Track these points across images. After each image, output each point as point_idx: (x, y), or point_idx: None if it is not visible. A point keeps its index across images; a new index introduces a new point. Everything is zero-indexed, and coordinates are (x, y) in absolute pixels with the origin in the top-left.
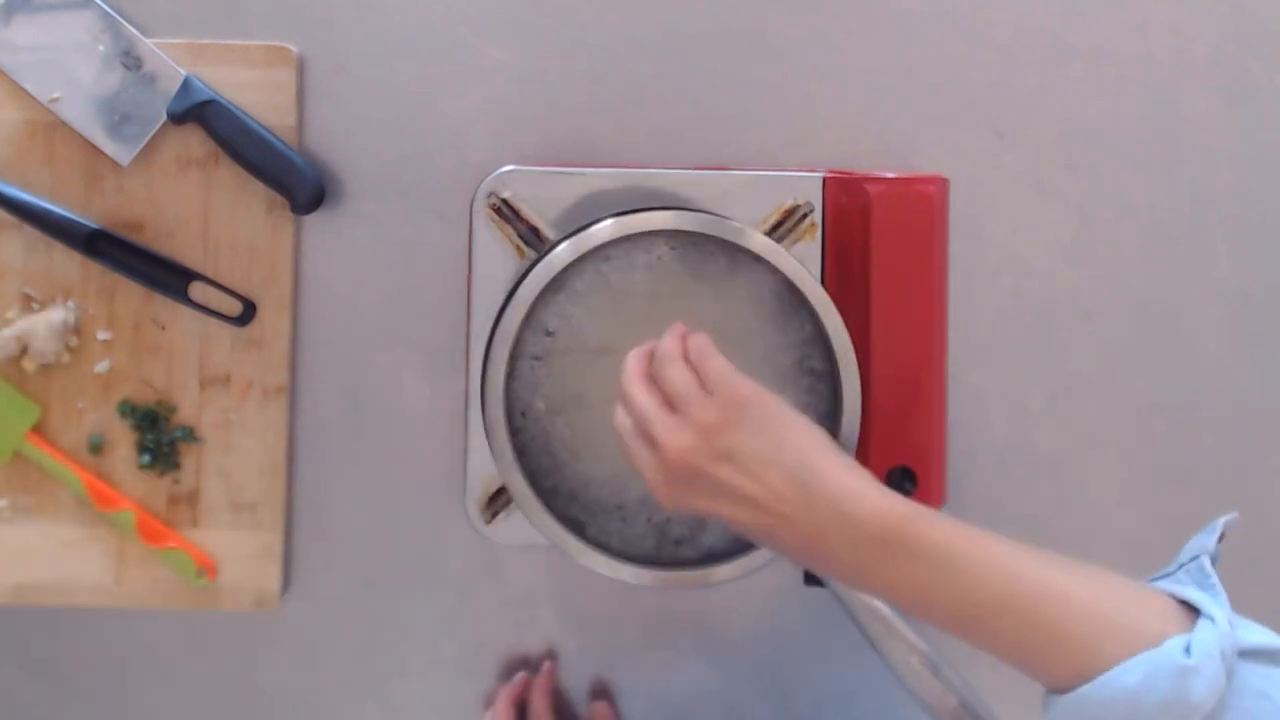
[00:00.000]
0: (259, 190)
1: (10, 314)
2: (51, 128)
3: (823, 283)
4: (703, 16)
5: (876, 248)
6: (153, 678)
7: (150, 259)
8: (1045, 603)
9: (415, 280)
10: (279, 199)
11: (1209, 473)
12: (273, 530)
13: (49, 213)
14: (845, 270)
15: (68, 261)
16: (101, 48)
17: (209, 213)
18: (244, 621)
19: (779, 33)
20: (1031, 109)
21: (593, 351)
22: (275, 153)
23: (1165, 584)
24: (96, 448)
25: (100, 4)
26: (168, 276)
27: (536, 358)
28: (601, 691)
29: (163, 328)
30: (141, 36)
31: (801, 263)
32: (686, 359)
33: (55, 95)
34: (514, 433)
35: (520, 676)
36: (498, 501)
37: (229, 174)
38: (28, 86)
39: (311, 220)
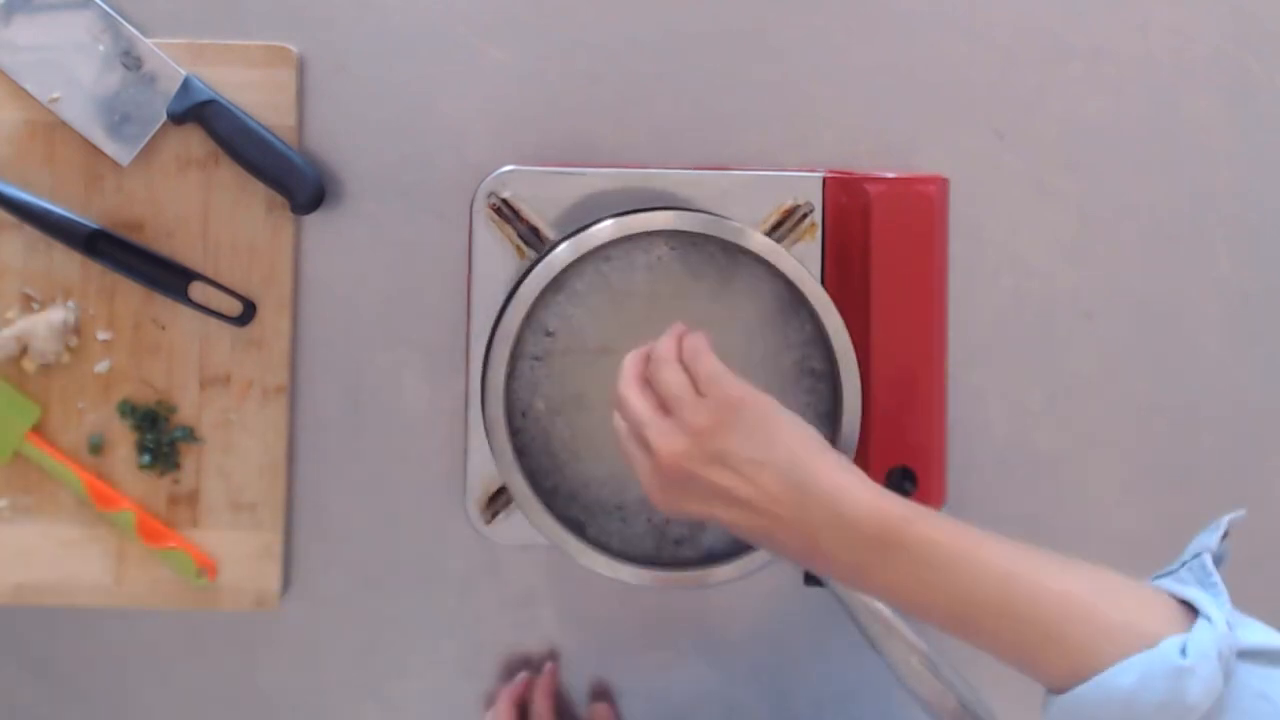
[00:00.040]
0: (259, 190)
1: (10, 314)
2: (51, 128)
3: (823, 283)
4: (703, 16)
5: (876, 248)
6: (153, 678)
7: (150, 259)
8: (1041, 602)
9: (415, 280)
10: (279, 199)
11: (1209, 473)
12: (273, 530)
13: (49, 213)
14: (845, 270)
15: (68, 261)
16: (101, 48)
17: (209, 213)
18: (244, 621)
19: (779, 33)
20: (1031, 109)
21: (593, 351)
22: (275, 153)
23: (1167, 582)
24: (96, 448)
25: (100, 4)
26: (168, 276)
27: (536, 358)
28: (602, 693)
29: (163, 328)
30: (141, 36)
31: (801, 263)
32: (681, 360)
33: (55, 95)
34: (514, 433)
35: (522, 676)
36: (498, 501)
37: (229, 174)
38: (28, 86)
39: (311, 220)
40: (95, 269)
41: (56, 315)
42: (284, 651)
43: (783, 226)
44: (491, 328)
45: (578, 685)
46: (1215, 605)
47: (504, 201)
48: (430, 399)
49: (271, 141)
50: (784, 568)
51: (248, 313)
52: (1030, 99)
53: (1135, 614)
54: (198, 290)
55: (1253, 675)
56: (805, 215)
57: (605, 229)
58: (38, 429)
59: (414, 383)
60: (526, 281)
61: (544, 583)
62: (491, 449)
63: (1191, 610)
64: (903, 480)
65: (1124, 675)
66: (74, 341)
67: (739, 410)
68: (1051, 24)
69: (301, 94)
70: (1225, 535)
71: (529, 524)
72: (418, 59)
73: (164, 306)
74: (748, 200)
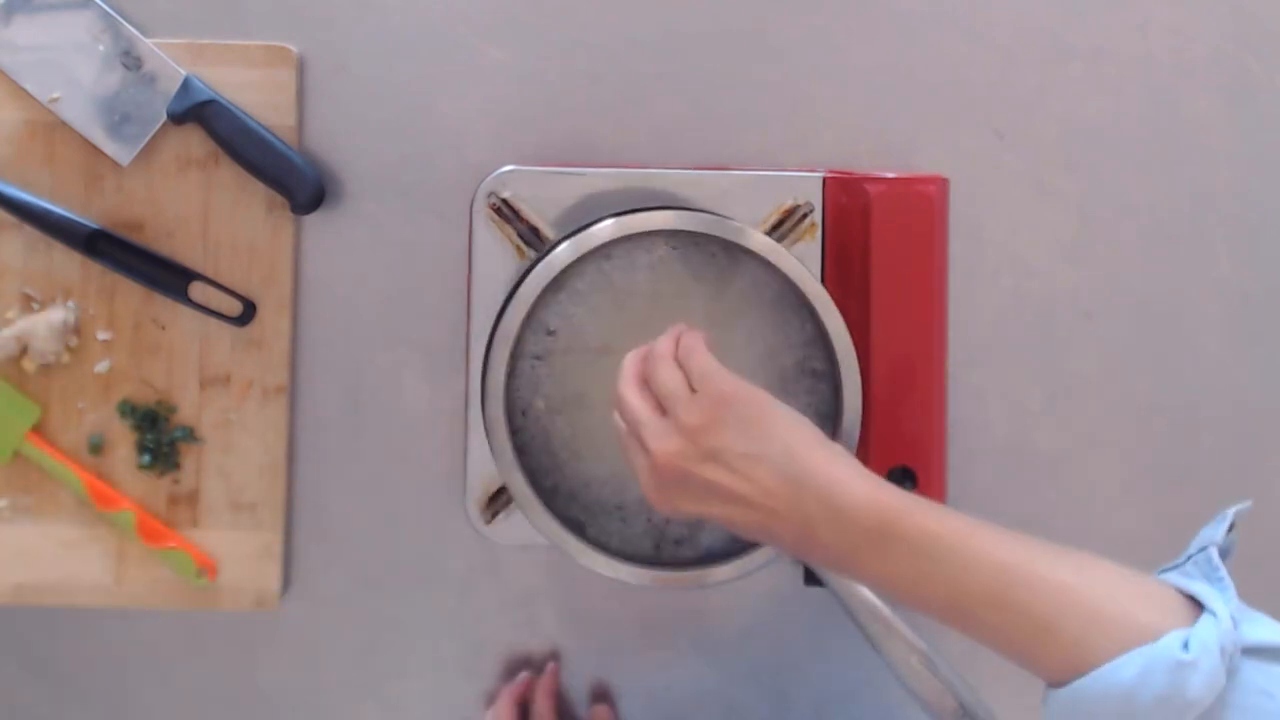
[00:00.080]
0: (259, 190)
1: (10, 314)
2: (51, 128)
3: (823, 282)
4: (703, 16)
5: (876, 248)
6: (153, 678)
7: (150, 259)
8: (1037, 594)
9: (415, 280)
10: (279, 199)
11: (1209, 473)
12: (273, 530)
13: (49, 213)
14: (845, 270)
15: (68, 261)
16: (101, 48)
17: (209, 213)
18: (244, 621)
19: (779, 33)
20: (1031, 109)
21: (594, 351)
22: (275, 153)
23: (1173, 576)
24: (96, 448)
25: (100, 4)
26: (168, 276)
27: (538, 357)
28: (602, 695)
29: (163, 328)
30: (141, 36)
31: (802, 262)
32: (676, 358)
33: (55, 95)
34: (514, 432)
35: (523, 676)
36: (498, 501)
37: (229, 174)
38: (28, 86)
39: (311, 220)
40: (95, 269)
41: (56, 315)
42: (284, 651)
43: (783, 226)
44: (491, 328)
45: (578, 685)
46: (1220, 599)
47: (504, 201)
48: (430, 399)
49: (271, 141)
50: (784, 568)
51: (248, 313)
52: (1030, 99)
53: (1133, 606)
54: (198, 290)
55: (1257, 671)
56: (805, 215)
57: (605, 229)
58: (38, 429)
59: (414, 383)
60: (526, 281)
61: (544, 583)
62: (491, 449)
63: (1196, 604)
64: (903, 480)
65: (1124, 669)
66: (74, 341)
67: (732, 406)
68: (1051, 24)
69: (301, 94)
70: (1231, 527)
71: (529, 524)
72: (418, 59)
73: (164, 306)
74: (748, 200)
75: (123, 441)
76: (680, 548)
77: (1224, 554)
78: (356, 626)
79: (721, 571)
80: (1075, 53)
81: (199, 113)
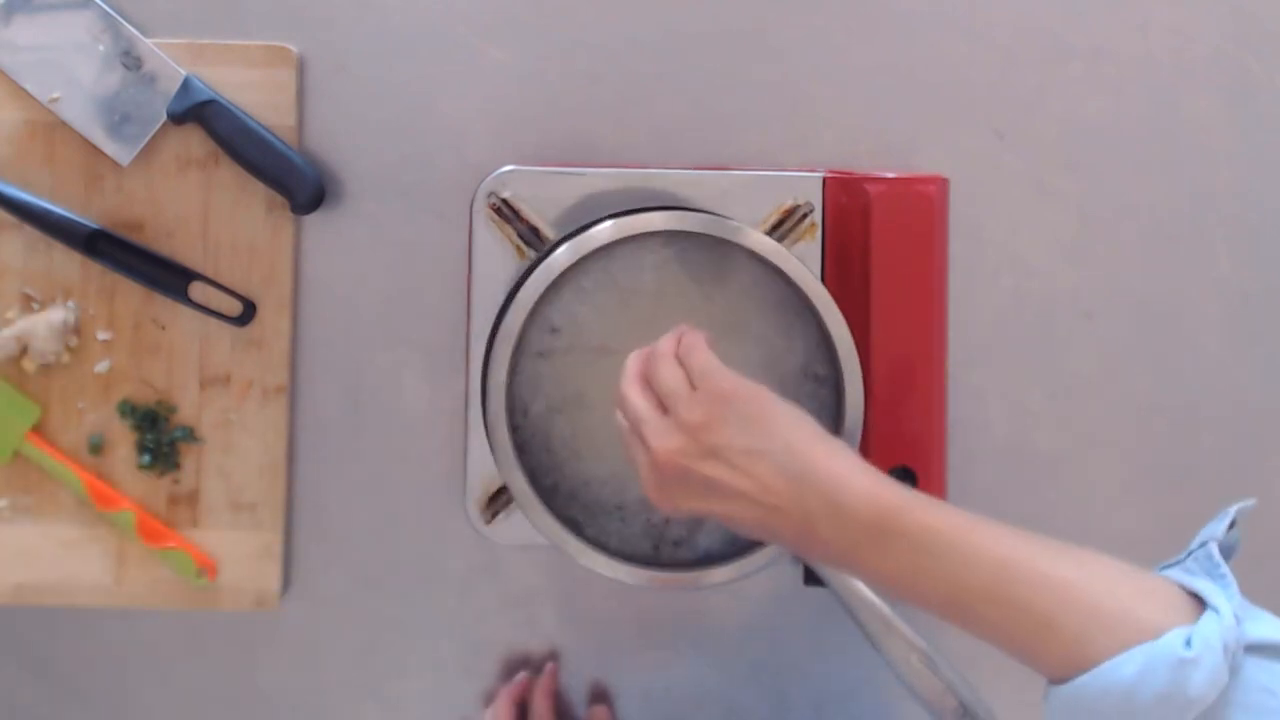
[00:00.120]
0: (259, 190)
1: (10, 314)
2: (51, 128)
3: (823, 282)
4: (703, 16)
5: (876, 248)
6: (153, 678)
7: (150, 259)
8: (1035, 589)
9: (415, 280)
10: (279, 199)
11: (1209, 473)
12: (273, 530)
13: (49, 213)
14: (845, 270)
15: (68, 261)
16: (101, 48)
17: (209, 213)
18: (244, 621)
19: (779, 33)
20: (1031, 109)
21: (595, 351)
22: (275, 153)
23: (1174, 573)
24: (96, 448)
25: (100, 4)
26: (168, 276)
27: (541, 354)
28: (600, 695)
29: (163, 328)
30: (141, 36)
31: (803, 263)
32: (678, 357)
33: (55, 95)
34: (514, 431)
35: (521, 676)
36: (498, 501)
37: (229, 174)
38: (28, 86)
39: (311, 220)
40: (95, 269)
41: (56, 315)
42: (284, 651)
43: (783, 226)
44: (491, 327)
45: (577, 685)
46: (1223, 596)
47: (504, 201)
48: (430, 399)
49: (271, 141)
50: (783, 568)
51: (248, 313)
52: (1030, 99)
53: (1134, 603)
54: (198, 290)
55: (1260, 669)
56: (805, 215)
57: (605, 230)
58: (38, 429)
59: (414, 383)
60: (527, 284)
61: (544, 583)
62: (491, 448)
63: (1197, 601)
64: (903, 480)
65: (1126, 666)
66: (74, 341)
67: (732, 402)
68: (1051, 24)
69: (301, 94)
70: (1233, 525)
71: (529, 524)
72: (418, 59)
73: (164, 306)
74: (748, 200)
75: (123, 441)
76: (679, 549)
77: (1227, 552)
78: (356, 626)
79: (719, 573)
80: (1075, 53)
81: (199, 113)
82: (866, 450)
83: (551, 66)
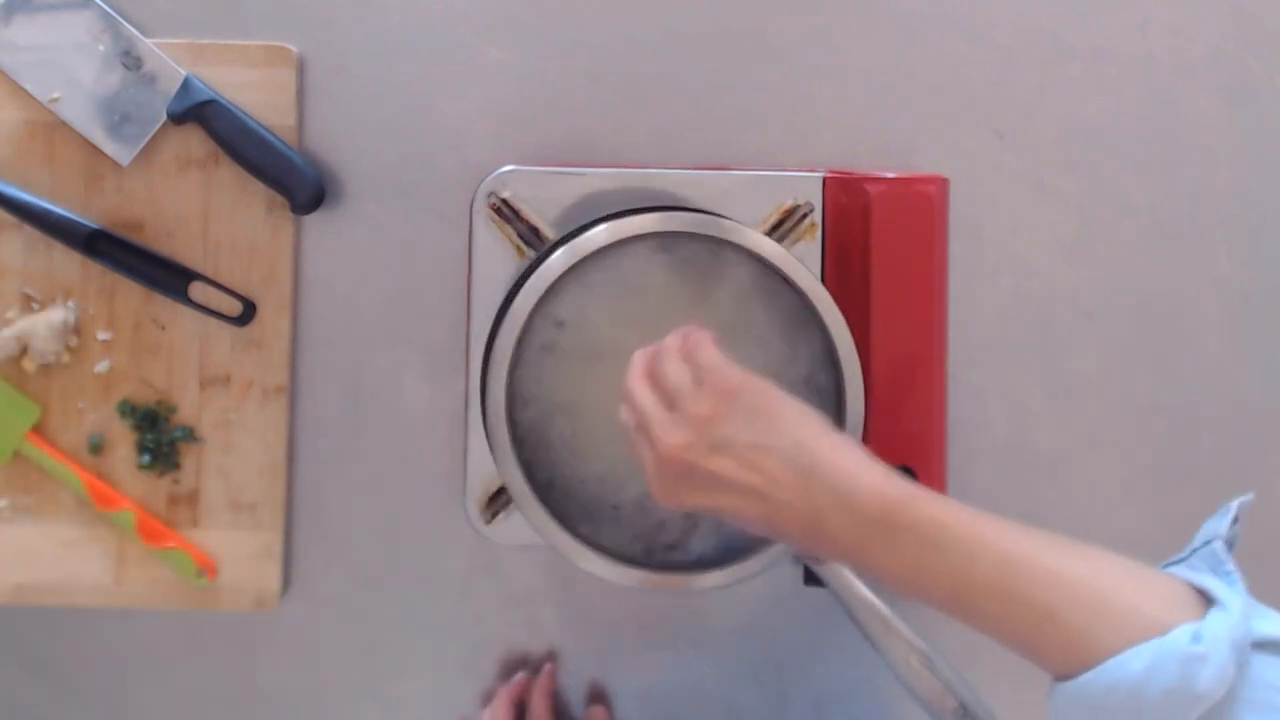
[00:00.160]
0: (259, 190)
1: (10, 314)
2: (51, 128)
3: (823, 283)
4: (703, 16)
5: (876, 248)
6: (153, 678)
7: (150, 259)
8: (1040, 584)
9: (415, 280)
10: (279, 199)
11: (1209, 473)
12: (273, 530)
13: (49, 213)
14: (845, 270)
15: (68, 261)
16: (101, 48)
17: (209, 213)
18: (244, 621)
19: (779, 33)
20: (1031, 109)
21: (595, 351)
22: (275, 153)
23: (1179, 570)
24: (96, 448)
25: (100, 4)
26: (168, 276)
27: (541, 353)
28: (598, 696)
29: (163, 328)
30: (141, 36)
31: (803, 263)
32: (684, 355)
33: (55, 95)
34: (513, 430)
35: (519, 677)
36: (498, 501)
37: (229, 174)
38: (28, 86)
39: (311, 220)
40: (95, 269)
41: (56, 315)
42: (284, 651)
43: (783, 226)
44: (491, 327)
45: (577, 685)
46: (1231, 593)
47: (504, 201)
48: (430, 399)
49: (271, 141)
50: (782, 569)
51: (248, 313)
52: (1030, 99)
53: (1140, 599)
54: (198, 290)
55: (1267, 666)
56: (805, 215)
57: (604, 231)
58: (38, 429)
59: (414, 383)
60: (527, 283)
61: (544, 583)
62: (491, 448)
63: (1203, 597)
64: None
65: (1133, 662)
66: (74, 341)
67: (738, 397)
68: (1051, 24)
69: (301, 94)
70: (1235, 520)
71: (527, 524)
72: (418, 59)
73: (164, 306)
74: (748, 200)
75: (123, 441)
76: (672, 553)
77: (1228, 547)
78: (356, 626)
79: (712, 578)
80: (1075, 53)
81: (199, 113)
82: (866, 450)
83: (551, 66)
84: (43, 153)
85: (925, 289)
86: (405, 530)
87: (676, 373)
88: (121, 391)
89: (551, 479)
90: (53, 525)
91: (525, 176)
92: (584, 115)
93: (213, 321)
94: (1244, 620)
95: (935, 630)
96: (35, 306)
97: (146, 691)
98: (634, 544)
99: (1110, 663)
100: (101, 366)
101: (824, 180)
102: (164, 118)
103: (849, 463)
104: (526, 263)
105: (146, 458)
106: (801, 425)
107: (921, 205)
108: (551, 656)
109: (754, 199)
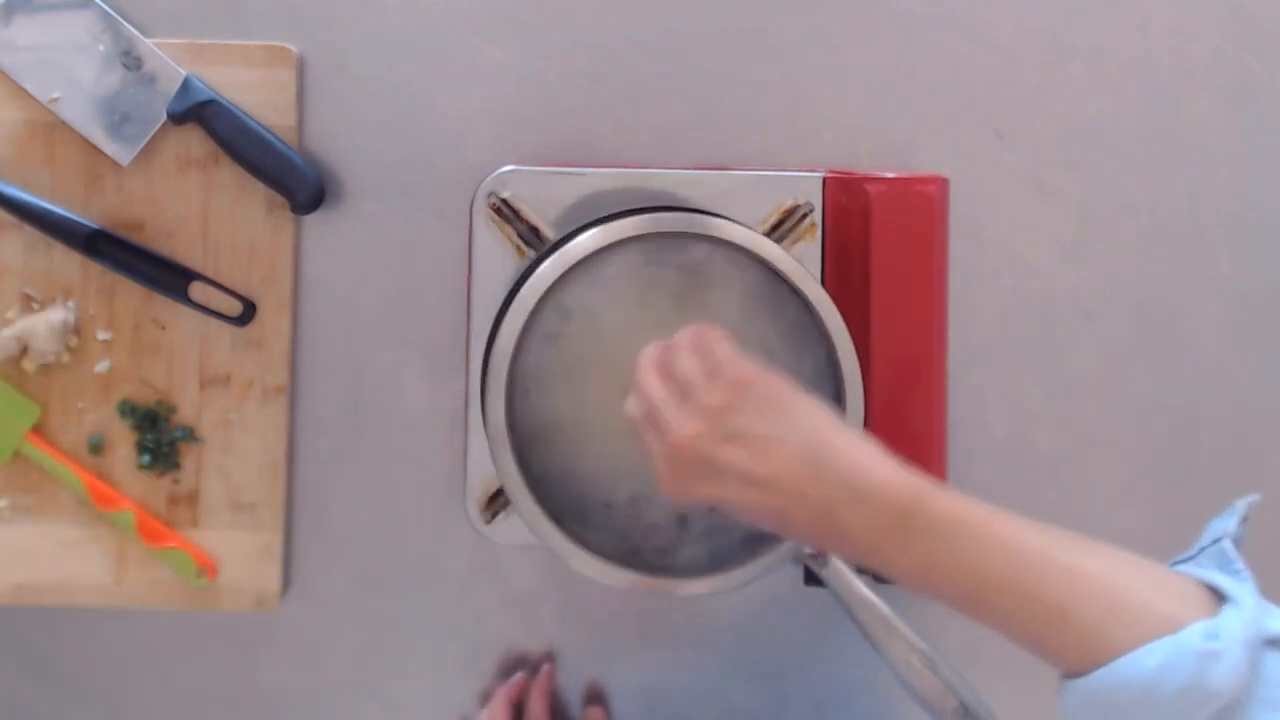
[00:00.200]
0: (259, 190)
1: (10, 314)
2: (51, 128)
3: (823, 283)
4: (703, 16)
5: (876, 248)
6: (153, 678)
7: (150, 259)
8: (1051, 580)
9: (415, 280)
10: (279, 199)
11: (1209, 473)
12: (273, 530)
13: (49, 213)
14: (845, 270)
15: (68, 261)
16: (101, 48)
17: (209, 213)
18: (244, 621)
19: (779, 33)
20: (1031, 109)
21: (595, 353)
22: (275, 153)
23: (1188, 568)
24: (96, 448)
25: (100, 4)
26: (168, 276)
27: (541, 352)
28: (596, 696)
29: (163, 328)
30: (141, 36)
31: (802, 263)
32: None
33: (55, 95)
34: (513, 429)
35: (518, 677)
36: (498, 501)
37: (229, 174)
38: (28, 86)
39: (311, 220)
40: (95, 269)
41: (56, 315)
42: (284, 651)
43: (783, 226)
44: (491, 327)
45: (576, 685)
46: (1245, 590)
47: (504, 201)
48: (430, 399)
49: (271, 141)
50: (781, 574)
51: (248, 313)
52: (1030, 99)
53: (1153, 596)
54: (198, 290)
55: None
56: (805, 215)
57: (603, 232)
58: (38, 429)
59: (414, 383)
60: (528, 283)
61: (544, 583)
62: (490, 448)
63: (1214, 595)
64: None
65: (1146, 659)
66: (74, 341)
67: (751, 388)
68: (1051, 24)
69: (301, 94)
70: (1243, 520)
71: (525, 525)
72: (418, 59)
73: (164, 306)
74: (748, 200)
75: (123, 441)
76: (663, 556)
77: (1237, 546)
78: (356, 626)
79: (702, 584)
80: (1075, 53)
81: (199, 113)
82: None
83: (551, 66)
84: (43, 153)
85: (925, 289)
86: (405, 530)
87: (689, 365)
88: (121, 391)
89: (550, 480)
90: (53, 525)
91: (525, 176)
92: (584, 115)
93: (213, 321)
94: (1258, 618)
95: (936, 630)
96: (35, 306)
97: (146, 691)
98: (621, 544)
99: (1123, 660)
100: (101, 366)
101: (824, 180)
102: (164, 118)
103: (863, 456)
104: (526, 263)
105: (146, 458)
106: (815, 418)
107: (921, 205)
108: (550, 656)
109: (754, 199)
